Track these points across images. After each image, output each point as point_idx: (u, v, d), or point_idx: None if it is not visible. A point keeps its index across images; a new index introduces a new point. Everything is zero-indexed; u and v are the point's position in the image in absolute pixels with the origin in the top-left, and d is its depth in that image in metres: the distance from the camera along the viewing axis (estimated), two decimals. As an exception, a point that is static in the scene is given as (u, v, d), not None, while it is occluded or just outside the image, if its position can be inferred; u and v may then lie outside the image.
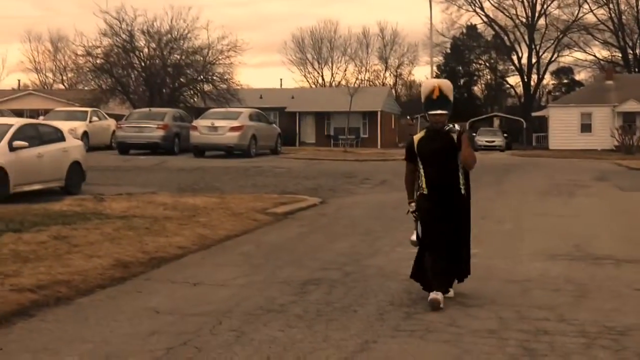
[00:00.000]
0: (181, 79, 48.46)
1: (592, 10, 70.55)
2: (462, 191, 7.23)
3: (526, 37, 74.42)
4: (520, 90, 78.95)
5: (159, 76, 47.44)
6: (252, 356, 5.63)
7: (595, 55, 73.39)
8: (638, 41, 70.90)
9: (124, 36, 46.86)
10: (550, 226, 12.86)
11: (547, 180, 22.68)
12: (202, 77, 48.27)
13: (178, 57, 48.14)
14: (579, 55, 74.00)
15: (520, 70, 76.15)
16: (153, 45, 47.75)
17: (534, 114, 61.90)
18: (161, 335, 6.11)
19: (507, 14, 74.45)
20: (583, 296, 7.72)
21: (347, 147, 43.23)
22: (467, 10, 74.40)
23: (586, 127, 50.83)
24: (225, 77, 47.94)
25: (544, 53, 74.99)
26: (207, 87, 48.35)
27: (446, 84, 7.40)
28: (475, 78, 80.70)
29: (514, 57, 76.45)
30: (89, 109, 34.79)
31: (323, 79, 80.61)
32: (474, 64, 79.35)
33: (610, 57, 72.76)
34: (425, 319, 6.68)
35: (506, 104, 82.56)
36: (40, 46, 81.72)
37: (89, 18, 77.01)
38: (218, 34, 70.14)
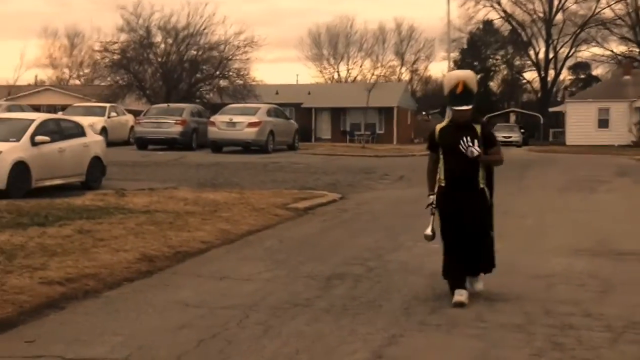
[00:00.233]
0: (197, 75, 48.62)
1: (609, 5, 70.18)
2: (481, 185, 7.05)
3: (543, 32, 74.09)
4: (536, 85, 78.71)
5: (175, 72, 47.63)
6: (281, 349, 5.68)
7: (612, 51, 72.96)
8: (656, 36, 70.40)
9: (141, 32, 47.13)
10: (572, 222, 12.86)
11: (566, 175, 22.62)
12: (218, 72, 48.40)
13: (195, 52, 48.31)
14: (597, 50, 73.60)
15: (537, 66, 75.85)
16: (170, 41, 48.01)
17: (551, 109, 61.71)
18: (191, 328, 6.18)
19: (525, 9, 74.24)
20: (607, 291, 7.74)
21: (363, 142, 43.23)
22: (485, 6, 74.19)
23: (603, 123, 50.58)
24: (241, 73, 48.07)
25: (561, 48, 74.71)
26: (223, 83, 48.48)
27: (470, 77, 7.19)
28: (491, 73, 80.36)
29: (531, 53, 76.23)
30: (107, 105, 34.96)
31: (339, 75, 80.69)
32: (490, 60, 79.00)
33: (627, 52, 72.22)
34: (451, 313, 6.72)
35: (522, 99, 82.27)
36: (56, 42, 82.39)
37: (105, 14, 77.62)
38: (235, 30, 70.40)
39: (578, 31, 71.91)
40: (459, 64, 73.39)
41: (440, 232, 7.20)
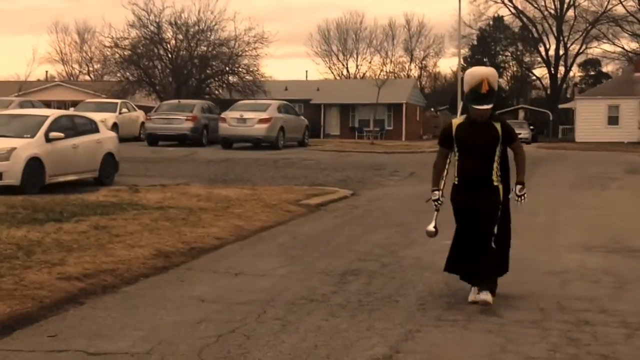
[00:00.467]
0: (207, 71, 48.69)
1: (621, 2, 69.80)
2: (495, 183, 6.86)
3: (554, 29, 73.87)
4: (546, 82, 78.48)
5: (185, 68, 47.72)
6: (299, 344, 5.75)
7: (623, 48, 72.74)
8: (667, 33, 70.16)
9: (151, 28, 47.22)
10: (584, 219, 12.89)
11: (577, 172, 22.63)
12: (228, 68, 48.46)
13: (205, 48, 48.36)
14: (607, 47, 73.37)
15: (547, 62, 75.66)
16: (180, 37, 48.07)
17: (560, 106, 61.60)
18: (209, 323, 6.25)
19: (536, 5, 73.98)
20: (622, 287, 7.79)
21: (372, 139, 43.24)
22: (495, 2, 73.98)
23: (613, 120, 50.46)
24: (251, 69, 48.13)
25: (571, 45, 74.48)
26: (232, 79, 48.54)
27: (493, 75, 6.95)
28: (501, 70, 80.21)
29: (541, 49, 76.01)
30: (118, 101, 35.12)
31: (348, 71, 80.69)
32: (500, 56, 78.91)
33: (639, 49, 71.99)
34: (467, 309, 6.77)
35: (531, 96, 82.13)
36: (66, 37, 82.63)
37: (115, 9, 77.68)
38: (245, 26, 70.36)
39: (589, 28, 71.69)
40: (469, 60, 73.38)
41: (455, 227, 7.11)
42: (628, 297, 7.36)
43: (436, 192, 7.09)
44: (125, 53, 46.91)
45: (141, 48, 47.11)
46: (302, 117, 35.33)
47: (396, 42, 75.89)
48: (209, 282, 7.84)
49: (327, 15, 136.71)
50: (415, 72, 79.97)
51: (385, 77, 47.56)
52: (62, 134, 15.55)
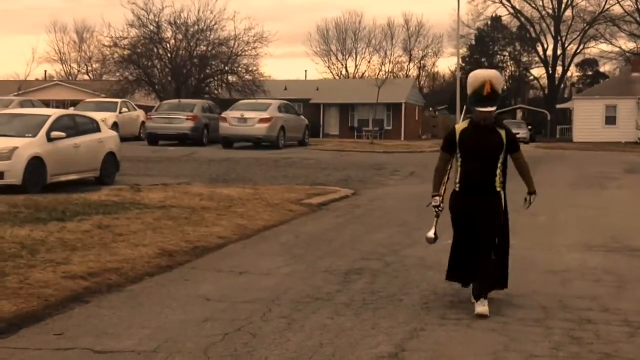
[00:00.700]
0: (207, 70, 48.73)
1: (619, 2, 69.99)
2: (498, 189, 6.79)
3: (552, 29, 73.98)
4: (544, 82, 78.62)
5: (185, 67, 47.75)
6: (305, 342, 5.80)
7: (621, 47, 72.87)
8: (665, 33, 70.25)
9: (151, 27, 47.24)
10: (584, 218, 12.95)
11: (575, 172, 22.71)
12: (227, 68, 48.50)
13: (204, 48, 48.40)
14: (605, 47, 73.54)
15: (545, 62, 75.76)
16: (180, 36, 48.10)
17: (558, 106, 61.68)
18: (215, 322, 6.30)
19: (534, 5, 74.11)
20: (623, 286, 7.85)
21: (372, 138, 43.29)
22: (494, 2, 74.08)
23: (610, 120, 50.58)
24: (250, 69, 48.18)
25: (569, 45, 74.63)
26: (232, 78, 48.57)
27: (497, 78, 6.85)
28: (499, 70, 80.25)
29: (539, 49, 76.16)
30: (118, 100, 35.13)
31: (347, 71, 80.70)
32: (498, 56, 78.99)
33: (636, 49, 72.09)
34: (470, 308, 6.79)
35: (528, 95, 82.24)
36: (65, 37, 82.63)
37: (114, 9, 77.62)
38: (244, 25, 70.33)
39: (587, 27, 71.79)
40: (467, 60, 73.50)
41: (454, 234, 7.00)
42: (629, 296, 7.42)
43: (437, 198, 6.99)
44: (124, 52, 46.92)
45: (140, 47, 47.13)
46: (302, 117, 35.39)
47: (395, 41, 75.83)
48: (214, 281, 7.89)
49: (326, 15, 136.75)
50: (413, 72, 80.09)
51: (385, 76, 47.59)
52: (63, 134, 15.58)
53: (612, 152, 34.86)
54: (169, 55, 48.11)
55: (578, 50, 74.81)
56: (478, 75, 6.94)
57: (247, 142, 30.64)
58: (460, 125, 7.03)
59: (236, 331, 6.03)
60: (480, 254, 6.76)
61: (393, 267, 8.64)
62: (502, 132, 6.83)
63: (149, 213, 11.68)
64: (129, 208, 12.20)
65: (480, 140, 6.77)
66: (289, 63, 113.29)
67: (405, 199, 15.59)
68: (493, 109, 6.75)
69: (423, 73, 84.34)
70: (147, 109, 35.78)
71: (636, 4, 68.57)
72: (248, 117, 30.11)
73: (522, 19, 75.22)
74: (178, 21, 47.72)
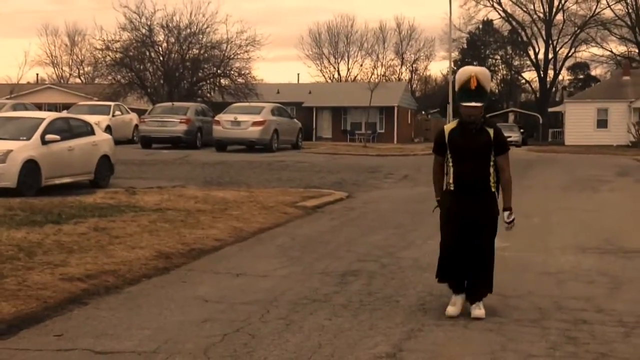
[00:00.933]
0: (199, 74, 48.72)
1: (609, 6, 70.32)
2: (492, 189, 6.70)
3: (543, 33, 74.27)
4: (535, 85, 78.88)
5: (177, 70, 47.73)
6: (304, 342, 5.84)
7: (612, 51, 73.22)
8: (655, 37, 70.59)
9: (143, 30, 47.18)
10: (577, 220, 13.04)
11: (568, 175, 22.81)
12: (220, 71, 48.50)
13: (197, 51, 48.38)
14: (596, 50, 73.90)
15: (536, 66, 76.04)
16: (172, 39, 48.06)
17: (550, 109, 61.92)
18: (214, 323, 6.34)
19: (525, 9, 74.43)
20: (617, 288, 7.92)
21: (365, 142, 43.36)
22: (485, 6, 74.35)
23: (602, 123, 50.83)
24: (242, 72, 48.18)
25: (560, 48, 74.93)
26: (224, 82, 48.56)
27: (484, 73, 6.79)
28: (490, 73, 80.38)
29: (531, 53, 76.41)
30: (111, 103, 35.10)
31: (339, 74, 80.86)
32: (489, 59, 79.20)
33: (627, 52, 72.47)
34: (466, 308, 6.85)
35: (520, 99, 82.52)
36: (57, 40, 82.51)
37: (106, 12, 77.58)
38: (237, 29, 70.32)
39: (578, 31, 72.13)
40: (459, 64, 73.60)
41: (440, 232, 6.92)
42: (623, 297, 7.49)
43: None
44: (116, 56, 46.85)
45: (133, 51, 47.06)
46: (296, 120, 35.42)
47: (387, 45, 76.14)
48: (211, 283, 7.93)
49: (318, 18, 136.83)
50: (406, 75, 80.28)
51: (377, 80, 47.69)
52: (58, 137, 15.59)
53: (604, 155, 35.02)
54: (161, 58, 48.08)
55: (569, 54, 75.17)
56: (465, 70, 6.89)
57: (240, 145, 30.66)
58: (449, 125, 6.94)
59: (235, 332, 6.08)
60: (480, 258, 6.72)
61: (389, 268, 8.70)
62: (491, 131, 6.70)
63: (145, 216, 11.70)
64: (124, 211, 12.23)
65: (468, 139, 6.68)
66: (281, 66, 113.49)
67: (400, 201, 15.66)
68: (479, 104, 6.65)
69: (415, 76, 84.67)
70: (140, 112, 35.75)
71: (627, 7, 68.93)
72: (241, 121, 30.13)
73: (514, 23, 75.52)
74: (170, 24, 47.73)
